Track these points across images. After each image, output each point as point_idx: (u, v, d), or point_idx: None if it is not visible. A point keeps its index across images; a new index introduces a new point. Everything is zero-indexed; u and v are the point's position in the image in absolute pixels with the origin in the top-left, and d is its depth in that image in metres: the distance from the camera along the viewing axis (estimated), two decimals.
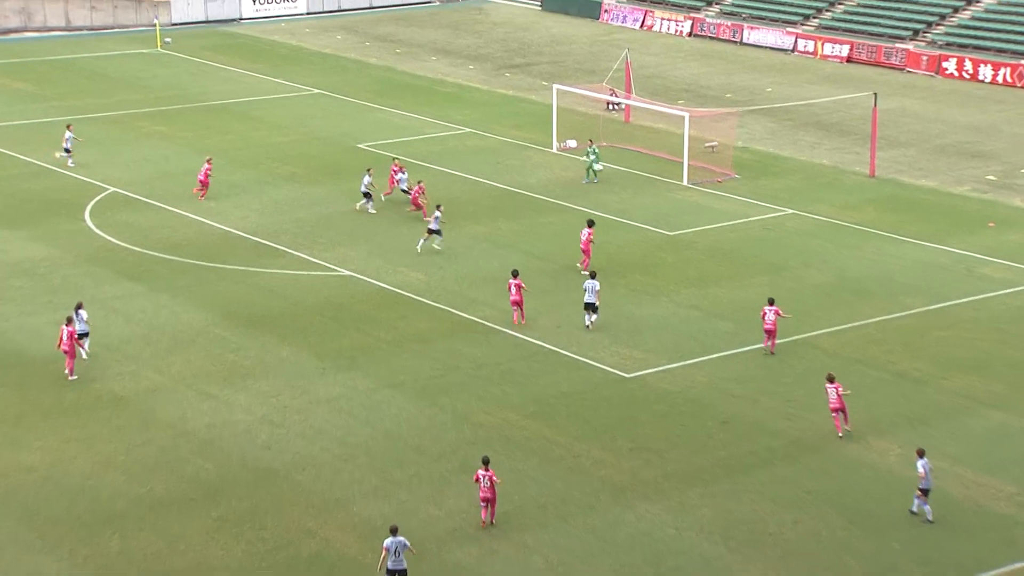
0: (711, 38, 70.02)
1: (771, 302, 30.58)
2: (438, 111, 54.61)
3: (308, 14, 77.10)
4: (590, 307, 31.38)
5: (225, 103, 55.64)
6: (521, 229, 39.61)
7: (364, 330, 32.34)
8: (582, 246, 34.96)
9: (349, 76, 61.58)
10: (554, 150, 48.53)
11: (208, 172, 41.78)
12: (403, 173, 41.39)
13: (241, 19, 75.08)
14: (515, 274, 31.90)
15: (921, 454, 23.69)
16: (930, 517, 23.46)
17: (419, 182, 41.03)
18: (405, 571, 21.62)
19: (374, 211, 40.58)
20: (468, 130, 51.71)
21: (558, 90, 49.98)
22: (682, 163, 44.95)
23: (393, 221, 40.33)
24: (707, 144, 48.40)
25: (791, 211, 41.65)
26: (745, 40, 68.57)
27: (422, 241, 36.84)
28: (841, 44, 65.04)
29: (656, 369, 30.12)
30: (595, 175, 44.00)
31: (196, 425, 27.48)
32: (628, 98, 51.52)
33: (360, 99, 56.78)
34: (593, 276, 31.70)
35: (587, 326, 31.37)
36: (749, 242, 38.72)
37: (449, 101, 56.88)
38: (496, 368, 29.48)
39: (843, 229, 39.96)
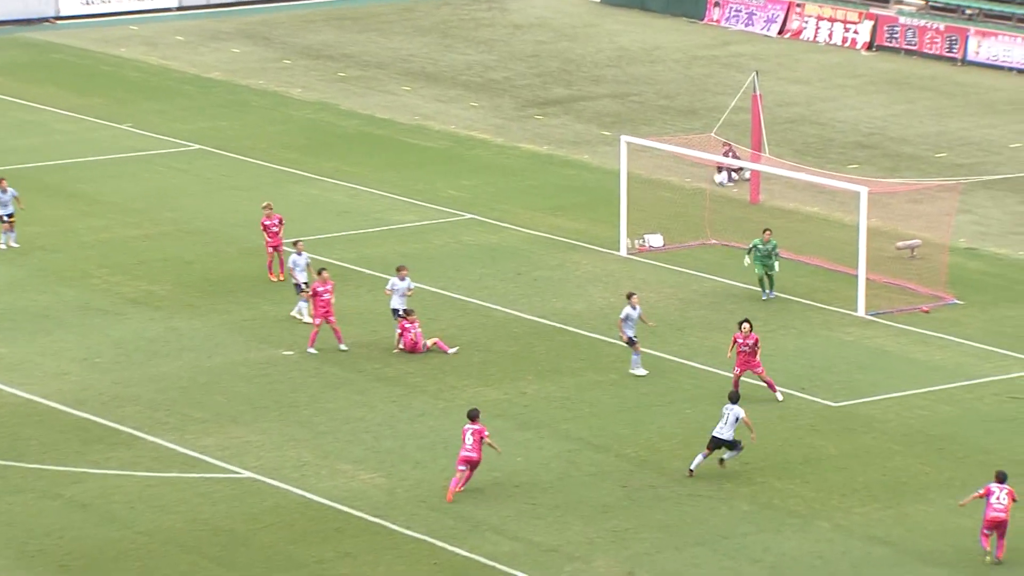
0: (909, 52, 71.32)
1: (1001, 479, 33.00)
2: (414, 182, 55.58)
3: (181, 10, 78.96)
4: (720, 443, 36.08)
5: (26, 168, 56.75)
6: (563, 396, 40.06)
7: None
8: (739, 365, 39.40)
9: (254, 119, 62.85)
10: (623, 252, 49.26)
11: None
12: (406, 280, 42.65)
13: (58, 18, 76.91)
14: (473, 417, 35.33)
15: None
16: None
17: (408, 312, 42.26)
18: None
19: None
20: (469, 216, 52.57)
21: (630, 146, 50.94)
22: (855, 277, 45.49)
23: (330, 378, 40.79)
24: (902, 244, 48.99)
25: None
26: (972, 56, 69.86)
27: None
28: None
29: None
30: (772, 284, 45.44)
31: None
32: (756, 160, 52.41)
33: (273, 160, 57.90)
34: (735, 400, 36.07)
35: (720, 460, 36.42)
36: (981, 422, 38.96)
37: (434, 164, 57.89)
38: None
39: None
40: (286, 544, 33.67)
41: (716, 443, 35.94)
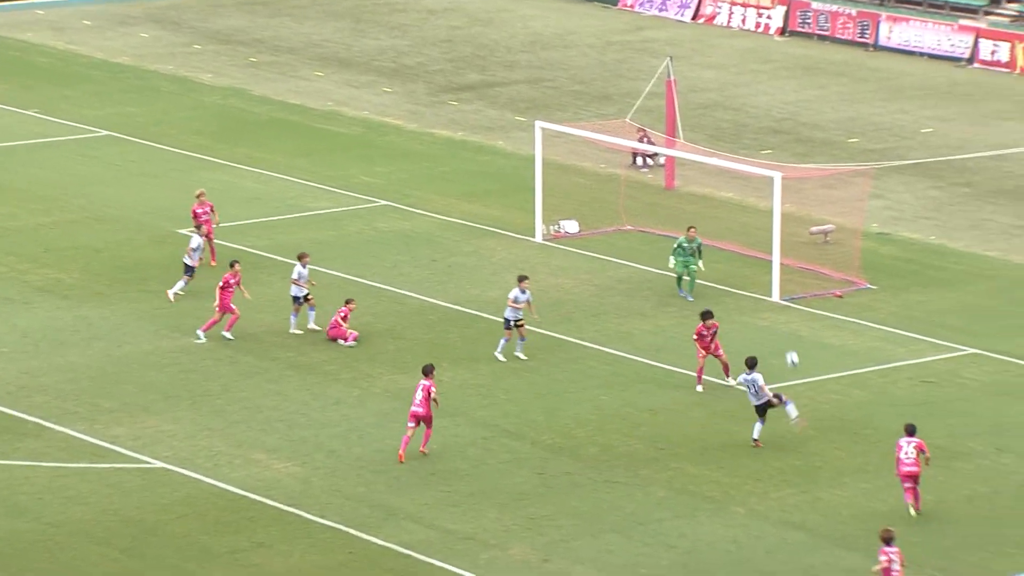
0: (821, 37, 71.73)
1: (911, 431, 34.08)
2: (328, 168, 55.46)
3: None
4: (764, 408, 36.79)
5: None
6: (478, 383, 40.09)
7: (189, 572, 32.35)
8: (701, 348, 39.44)
9: (164, 105, 62.52)
10: (538, 239, 49.32)
11: None
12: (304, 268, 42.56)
13: None
14: (427, 372, 36.52)
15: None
16: None
17: (348, 301, 42.13)
18: None
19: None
20: (383, 202, 52.50)
21: (545, 132, 50.97)
22: (769, 263, 45.70)
23: (243, 366, 40.66)
24: (816, 229, 49.27)
25: (971, 350, 42.34)
26: (884, 41, 70.32)
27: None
28: None
29: None
30: (691, 286, 44.90)
31: None
32: (671, 145, 52.57)
33: (184, 146, 57.64)
34: (752, 366, 36.90)
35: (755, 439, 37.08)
36: (894, 406, 39.23)
37: (348, 150, 57.78)
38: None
39: None
40: (199, 534, 33.54)
41: (761, 409, 36.52)
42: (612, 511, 34.19)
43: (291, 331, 42.39)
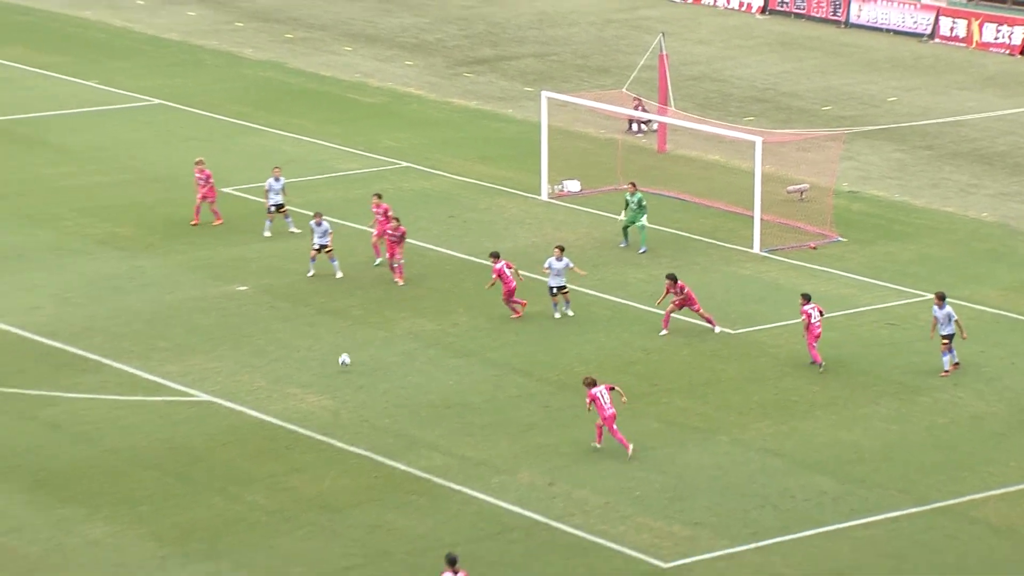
0: (798, 16, 71.59)
1: (807, 299, 37.91)
2: (356, 134, 55.42)
3: None
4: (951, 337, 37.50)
5: (0, 121, 56.23)
6: (490, 327, 40.13)
7: (232, 493, 32.50)
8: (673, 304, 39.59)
9: (208, 77, 62.45)
10: (544, 197, 49.30)
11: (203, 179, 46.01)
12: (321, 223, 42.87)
13: None
14: (495, 257, 39.52)
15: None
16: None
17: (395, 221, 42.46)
18: None
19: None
20: (405, 164, 52.48)
21: (550, 101, 50.89)
22: (751, 218, 45.70)
23: (281, 311, 40.74)
24: (792, 188, 49.26)
25: (930, 295, 42.33)
26: (854, 19, 70.14)
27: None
28: (1012, 25, 66.47)
29: (711, 555, 30.43)
30: (642, 237, 44.72)
31: None
32: (663, 113, 52.49)
33: (227, 114, 57.60)
34: (943, 298, 37.66)
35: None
36: (863, 346, 39.32)
37: (374, 117, 57.72)
38: (448, 552, 29.66)
39: (1018, 326, 40.60)
40: (241, 460, 33.69)
41: (949, 337, 37.11)
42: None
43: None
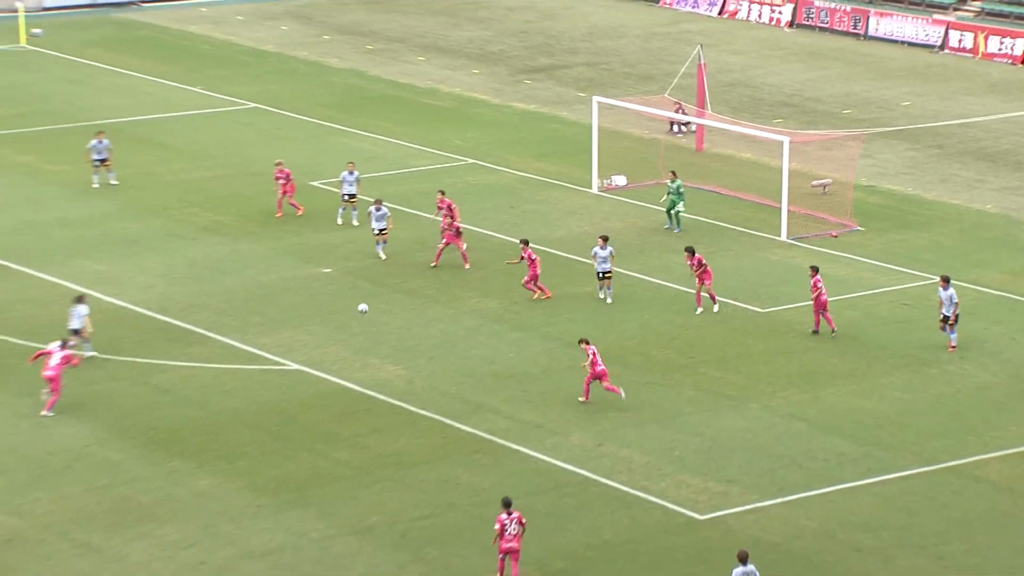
0: (822, 29, 71.11)
1: (814, 270, 37.76)
2: (428, 134, 55.43)
3: None
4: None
5: (119, 123, 56.58)
6: (546, 305, 40.10)
7: (319, 450, 32.62)
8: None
9: (299, 84, 62.61)
10: (594, 190, 49.19)
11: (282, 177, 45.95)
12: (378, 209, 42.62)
13: (143, 1, 76.51)
14: (525, 243, 38.98)
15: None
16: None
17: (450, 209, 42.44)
18: None
19: (356, 223, 44.21)
20: (471, 161, 52.46)
21: (600, 104, 50.76)
22: (779, 209, 45.46)
23: (362, 290, 40.86)
24: (816, 183, 48.95)
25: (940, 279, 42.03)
26: (872, 32, 69.63)
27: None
28: (1014, 38, 65.87)
29: (742, 508, 30.35)
30: (679, 221, 44.89)
31: None
32: (701, 116, 52.25)
33: (316, 116, 57.71)
34: (948, 281, 37.10)
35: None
36: (879, 324, 39.05)
37: (444, 120, 57.71)
38: (504, 496, 29.72)
39: (1019, 306, 40.27)
40: (327, 422, 33.81)
41: (948, 317, 36.77)
42: (651, 406, 34.23)
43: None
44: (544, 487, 31.00)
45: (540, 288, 40.08)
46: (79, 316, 36.18)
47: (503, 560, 27.32)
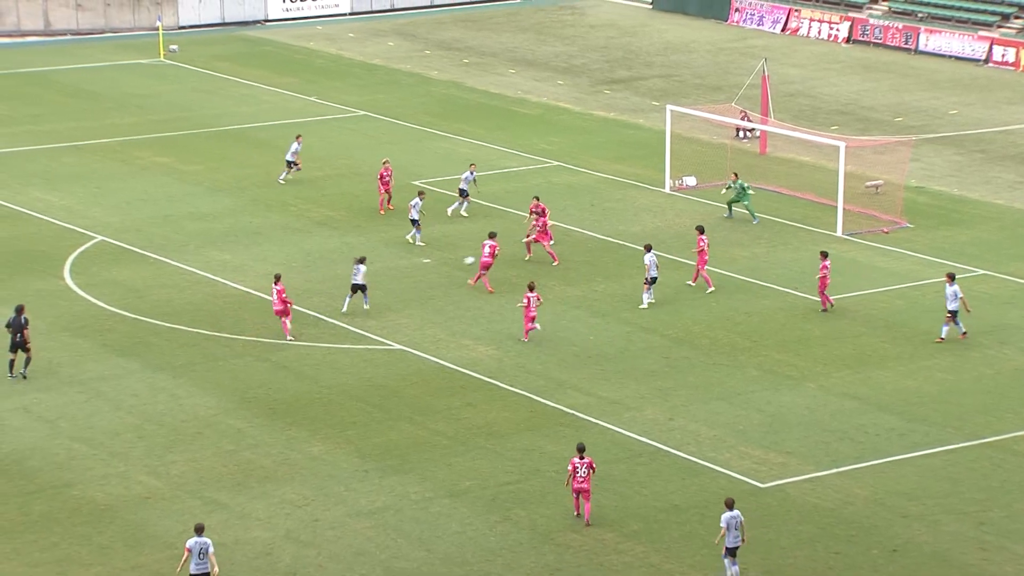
0: (876, 44, 70.34)
1: (824, 255, 37.31)
2: (517, 138, 55.49)
3: (352, 14, 78.96)
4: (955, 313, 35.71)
5: (245, 128, 57.14)
6: (624, 292, 40.05)
7: (418, 421, 32.83)
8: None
9: (403, 94, 62.88)
10: (667, 190, 49.01)
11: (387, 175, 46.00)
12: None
13: (267, 21, 77.17)
14: (492, 235, 38.81)
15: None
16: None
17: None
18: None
19: (466, 214, 44.60)
20: (556, 163, 52.45)
21: (673, 112, 50.56)
22: (836, 208, 45.08)
23: (456, 279, 41.01)
24: (870, 183, 48.49)
25: (982, 272, 41.51)
26: (922, 47, 68.79)
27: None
28: None
29: (800, 478, 30.21)
30: (751, 213, 44.95)
31: None
32: (765, 123, 51.91)
33: (417, 123, 57.94)
34: (953, 278, 36.29)
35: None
36: (925, 312, 38.66)
37: (532, 126, 57.75)
38: (579, 442, 29.78)
39: None
40: (425, 396, 34.01)
41: (953, 313, 35.98)
42: (718, 385, 34.10)
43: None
44: (620, 456, 31.02)
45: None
46: (361, 273, 37.75)
47: (577, 498, 28.00)
